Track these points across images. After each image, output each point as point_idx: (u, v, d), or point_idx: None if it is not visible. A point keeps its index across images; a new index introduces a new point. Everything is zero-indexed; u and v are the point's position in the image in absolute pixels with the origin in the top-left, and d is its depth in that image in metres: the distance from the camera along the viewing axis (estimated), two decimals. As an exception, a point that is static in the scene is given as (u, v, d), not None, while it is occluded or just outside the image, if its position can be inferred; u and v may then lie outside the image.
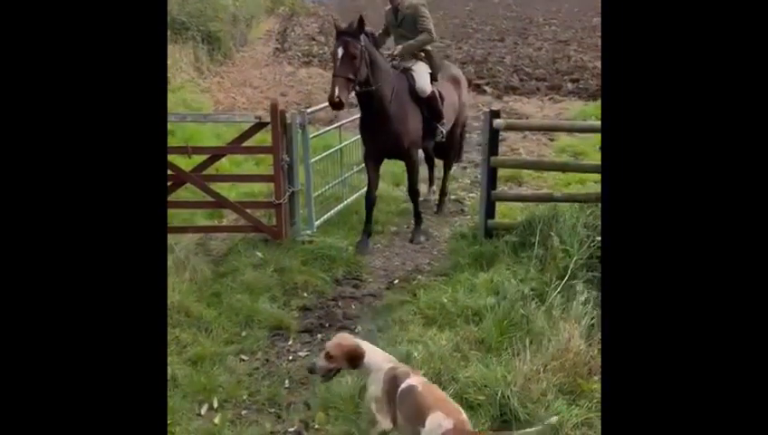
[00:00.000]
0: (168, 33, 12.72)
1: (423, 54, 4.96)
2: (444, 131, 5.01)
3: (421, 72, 4.85)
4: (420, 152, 5.39)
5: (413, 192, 5.05)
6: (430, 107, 4.87)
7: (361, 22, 4.18)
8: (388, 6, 4.98)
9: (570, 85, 11.55)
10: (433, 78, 4.95)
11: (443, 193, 5.83)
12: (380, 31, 5.13)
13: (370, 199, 4.89)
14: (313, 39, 17.47)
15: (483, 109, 6.42)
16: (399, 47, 4.84)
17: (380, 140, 4.69)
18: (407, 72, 4.82)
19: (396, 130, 4.61)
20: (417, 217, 5.15)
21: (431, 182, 6.05)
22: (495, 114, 4.55)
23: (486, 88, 11.70)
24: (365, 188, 5.04)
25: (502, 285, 3.72)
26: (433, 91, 4.84)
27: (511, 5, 31.00)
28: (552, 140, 8.04)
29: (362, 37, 4.21)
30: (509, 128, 4.89)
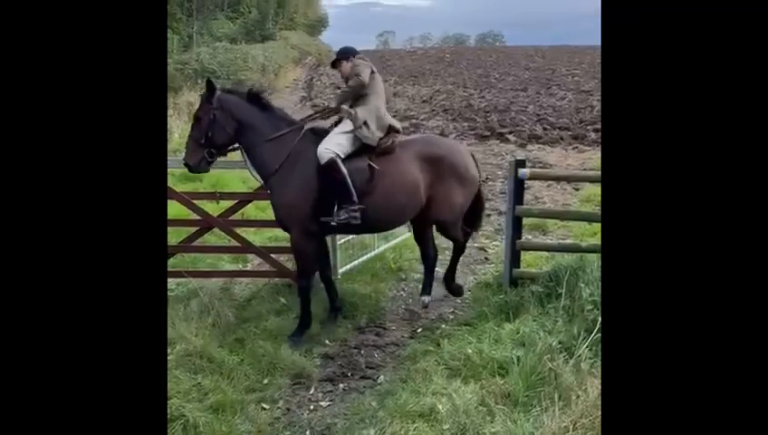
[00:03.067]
0: (200, 81, 13.26)
1: (353, 112, 4.05)
2: (345, 216, 3.87)
3: (333, 133, 4.03)
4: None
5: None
6: (329, 178, 3.88)
7: (209, 84, 3.93)
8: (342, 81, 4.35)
9: (593, 135, 11.58)
10: (369, 147, 4.01)
11: None
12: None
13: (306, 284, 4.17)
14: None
15: (506, 157, 6.44)
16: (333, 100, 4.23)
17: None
18: (323, 135, 4.05)
19: (275, 202, 4.06)
20: (333, 305, 4.42)
21: (425, 288, 4.70)
22: (521, 163, 4.55)
23: (510, 136, 11.81)
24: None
25: (528, 337, 3.64)
26: (332, 159, 3.86)
27: (533, 57, 31.50)
28: (576, 189, 8.03)
29: (219, 98, 3.89)
30: (534, 177, 4.88)
